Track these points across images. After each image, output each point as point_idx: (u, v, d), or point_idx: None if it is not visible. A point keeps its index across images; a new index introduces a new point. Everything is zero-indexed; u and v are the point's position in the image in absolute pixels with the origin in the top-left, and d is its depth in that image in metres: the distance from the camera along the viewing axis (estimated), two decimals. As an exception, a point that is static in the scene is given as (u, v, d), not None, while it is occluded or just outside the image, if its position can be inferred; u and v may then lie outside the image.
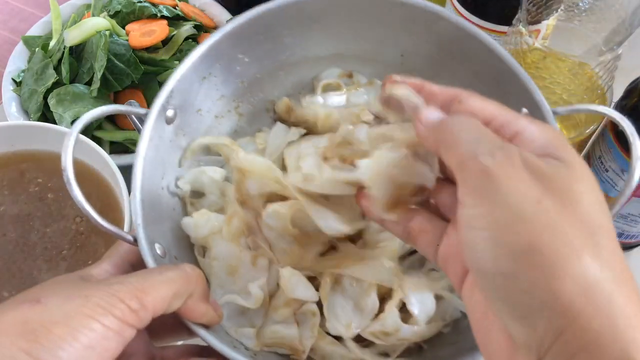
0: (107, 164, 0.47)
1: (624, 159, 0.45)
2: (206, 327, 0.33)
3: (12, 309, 0.25)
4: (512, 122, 0.26)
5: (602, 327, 0.22)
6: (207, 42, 0.39)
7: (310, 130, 0.42)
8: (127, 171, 0.48)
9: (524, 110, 0.38)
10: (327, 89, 0.45)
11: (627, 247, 0.55)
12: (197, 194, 0.42)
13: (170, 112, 0.38)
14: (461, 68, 0.41)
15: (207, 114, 0.42)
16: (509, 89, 0.38)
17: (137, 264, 0.34)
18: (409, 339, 0.37)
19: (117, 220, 0.47)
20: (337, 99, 0.42)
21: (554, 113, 0.36)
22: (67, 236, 0.47)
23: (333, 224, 0.34)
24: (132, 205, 0.35)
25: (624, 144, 0.45)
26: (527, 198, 0.23)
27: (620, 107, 0.46)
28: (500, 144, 0.25)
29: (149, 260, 0.33)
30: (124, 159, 0.55)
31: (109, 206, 0.48)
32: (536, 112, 0.37)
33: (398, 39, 0.43)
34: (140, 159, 0.36)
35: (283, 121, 0.43)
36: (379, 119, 0.34)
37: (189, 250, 0.40)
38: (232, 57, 0.41)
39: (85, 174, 0.50)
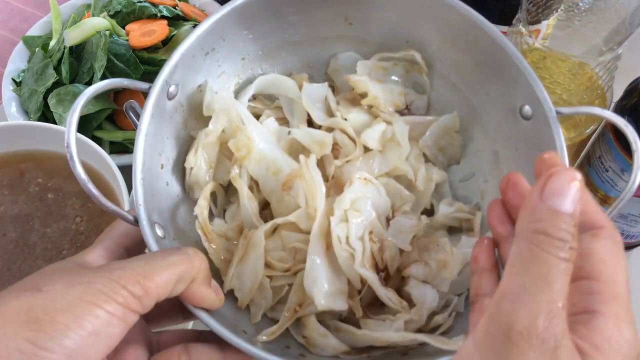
0: (107, 164, 0.47)
1: (624, 159, 0.45)
2: (207, 310, 0.33)
3: (13, 298, 0.25)
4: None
5: None
6: (214, 17, 0.39)
7: None
8: (127, 171, 0.48)
9: (527, 107, 0.38)
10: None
11: (627, 247, 0.56)
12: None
13: (172, 87, 0.38)
14: (464, 58, 0.42)
15: (207, 91, 0.42)
16: (512, 84, 0.38)
17: (131, 248, 0.33)
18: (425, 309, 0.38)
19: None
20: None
21: (558, 113, 0.36)
22: (67, 236, 0.47)
23: None
24: (133, 184, 0.34)
25: (625, 144, 0.45)
26: None
27: (620, 107, 0.46)
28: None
29: (150, 241, 0.33)
30: (124, 159, 0.55)
31: (109, 206, 0.48)
32: (539, 110, 0.37)
33: (404, 25, 0.43)
34: (142, 136, 0.35)
35: None
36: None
37: (187, 230, 0.40)
38: (237, 33, 0.42)
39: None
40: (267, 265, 0.39)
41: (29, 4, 0.78)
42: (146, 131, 0.36)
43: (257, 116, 0.44)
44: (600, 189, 0.49)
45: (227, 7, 0.39)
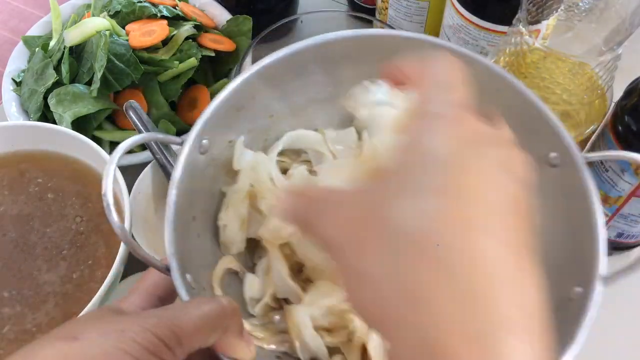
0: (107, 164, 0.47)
1: (624, 159, 0.45)
2: None
3: (49, 346, 0.25)
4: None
5: None
6: (242, 76, 0.40)
7: None
8: (127, 171, 0.48)
9: (553, 154, 0.37)
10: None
11: (627, 247, 0.55)
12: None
13: (205, 142, 0.39)
14: (487, 110, 0.42)
15: (238, 146, 0.42)
16: (535, 132, 0.38)
17: (164, 297, 0.34)
18: None
19: (117, 220, 0.47)
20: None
21: (585, 159, 0.36)
22: (67, 236, 0.47)
23: None
24: (165, 233, 0.35)
25: (624, 144, 0.45)
26: None
27: (620, 107, 0.46)
28: None
29: (182, 291, 0.33)
30: (124, 159, 0.55)
31: (109, 206, 0.48)
32: (565, 156, 0.37)
33: None
34: (174, 187, 0.36)
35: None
36: None
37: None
38: (265, 91, 0.42)
39: (85, 174, 0.50)
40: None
41: (29, 4, 0.78)
42: (178, 182, 0.36)
43: (285, 170, 0.44)
44: (600, 189, 0.49)
45: (255, 67, 0.40)
